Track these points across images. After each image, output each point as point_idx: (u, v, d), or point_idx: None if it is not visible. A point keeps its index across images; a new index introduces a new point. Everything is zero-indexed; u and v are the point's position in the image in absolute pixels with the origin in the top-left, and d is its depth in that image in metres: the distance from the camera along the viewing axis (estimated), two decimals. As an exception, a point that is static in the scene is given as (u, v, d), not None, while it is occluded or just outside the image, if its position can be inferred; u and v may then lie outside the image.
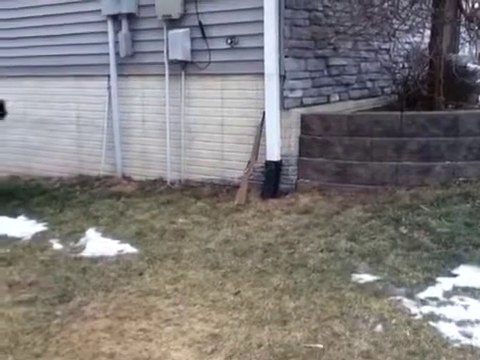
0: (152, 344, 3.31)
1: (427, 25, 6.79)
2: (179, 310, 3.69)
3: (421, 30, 7.07)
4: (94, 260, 4.67)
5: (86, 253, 4.85)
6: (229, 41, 6.18)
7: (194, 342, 3.30)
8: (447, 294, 3.64)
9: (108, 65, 7.14)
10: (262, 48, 5.89)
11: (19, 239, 5.30)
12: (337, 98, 6.82)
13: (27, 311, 3.80)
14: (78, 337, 3.43)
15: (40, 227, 5.63)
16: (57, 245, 5.10)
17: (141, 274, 4.33)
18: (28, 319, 3.69)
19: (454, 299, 3.58)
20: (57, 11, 7.49)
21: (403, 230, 4.65)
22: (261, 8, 5.83)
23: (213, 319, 3.54)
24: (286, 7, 5.88)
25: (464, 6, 6.79)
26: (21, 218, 5.91)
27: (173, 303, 3.80)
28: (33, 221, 5.80)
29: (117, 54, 7.04)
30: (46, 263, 4.67)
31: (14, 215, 5.95)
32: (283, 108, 6.01)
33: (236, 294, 3.87)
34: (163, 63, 6.67)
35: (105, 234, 5.26)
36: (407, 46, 7.62)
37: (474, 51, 8.46)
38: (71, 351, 3.29)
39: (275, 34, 5.82)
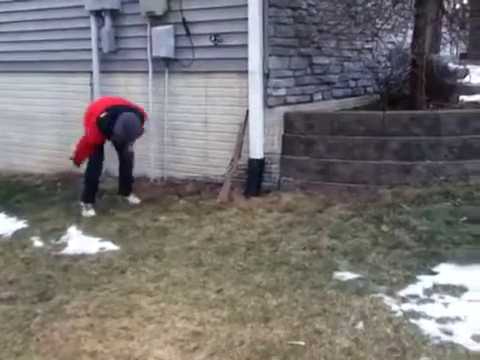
0: (134, 342, 3.29)
1: (409, 25, 6.85)
2: (161, 308, 3.68)
3: (404, 30, 7.13)
4: (75, 258, 4.63)
5: (67, 251, 4.82)
6: (213, 39, 6.17)
7: (176, 340, 3.29)
8: (427, 292, 3.67)
9: (91, 61, 7.09)
10: (246, 46, 5.89)
11: (-1, 236, 5.26)
12: (320, 97, 6.83)
13: (7, 309, 3.76)
14: (59, 335, 3.40)
15: (21, 224, 5.58)
16: (38, 243, 5.06)
17: (123, 272, 4.31)
18: (8, 317, 3.66)
19: (434, 297, 3.61)
20: (39, 6, 7.42)
21: (384, 228, 4.68)
22: (245, 6, 5.83)
23: (195, 317, 3.53)
24: (270, 5, 5.88)
25: (446, 7, 6.87)
26: (1, 215, 5.86)
27: (155, 301, 3.78)
28: (14, 218, 5.75)
29: (100, 50, 6.99)
30: (27, 261, 4.64)
31: (-6, 212, 5.90)
32: (267, 106, 6.01)
33: (218, 292, 3.87)
34: (147, 60, 6.64)
35: (86, 232, 5.21)
36: (390, 46, 7.67)
37: (455, 51, 8.56)
38: (52, 349, 3.26)
39: (259, 32, 5.82)
